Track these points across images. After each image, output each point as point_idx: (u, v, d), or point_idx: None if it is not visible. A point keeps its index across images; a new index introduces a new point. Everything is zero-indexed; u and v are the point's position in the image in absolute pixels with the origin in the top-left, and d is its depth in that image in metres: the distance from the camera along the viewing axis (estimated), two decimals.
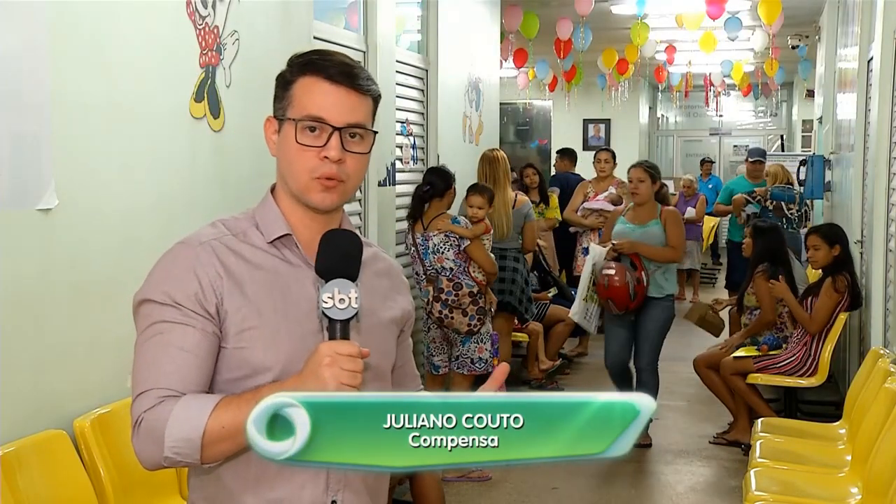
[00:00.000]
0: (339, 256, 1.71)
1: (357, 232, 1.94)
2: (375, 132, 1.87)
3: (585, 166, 15.90)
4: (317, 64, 1.82)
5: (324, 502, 1.81)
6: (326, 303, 1.65)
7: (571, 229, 9.63)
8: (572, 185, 9.61)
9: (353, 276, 1.69)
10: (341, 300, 1.65)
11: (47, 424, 3.18)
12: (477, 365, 5.82)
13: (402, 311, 1.98)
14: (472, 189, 6.10)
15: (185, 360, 1.75)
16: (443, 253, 5.78)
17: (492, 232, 6.14)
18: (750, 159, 9.98)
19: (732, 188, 9.96)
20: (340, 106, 1.80)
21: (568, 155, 10.82)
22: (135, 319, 1.82)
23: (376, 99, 1.88)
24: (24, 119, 3.10)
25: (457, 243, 5.81)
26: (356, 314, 1.67)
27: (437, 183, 5.93)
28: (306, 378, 1.65)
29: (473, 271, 5.88)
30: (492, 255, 6.09)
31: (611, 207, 8.69)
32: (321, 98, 1.80)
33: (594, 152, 9.58)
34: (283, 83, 1.86)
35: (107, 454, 3.29)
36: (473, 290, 5.80)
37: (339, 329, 1.66)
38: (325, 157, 1.79)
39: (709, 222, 13.56)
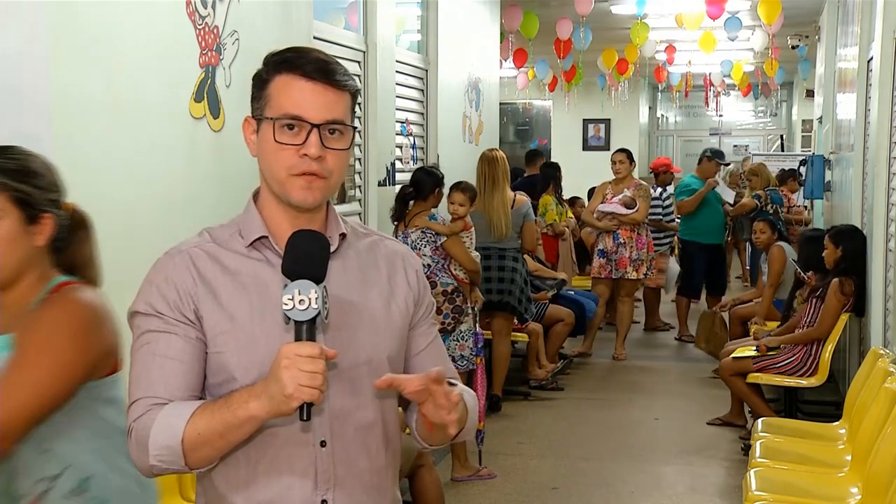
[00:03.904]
0: (303, 257, 1.71)
1: (347, 227, 1.93)
2: (355, 128, 1.86)
3: (585, 167, 15.97)
4: (292, 61, 1.82)
5: (314, 502, 1.81)
6: (287, 304, 1.66)
7: (588, 230, 9.67)
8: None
9: (317, 277, 1.69)
10: (301, 301, 1.65)
11: None
12: (459, 363, 5.81)
13: (404, 299, 1.94)
14: (455, 186, 6.05)
15: (171, 367, 1.78)
16: (420, 249, 5.75)
17: (473, 230, 6.09)
18: (719, 160, 9.67)
19: (692, 185, 9.58)
20: (318, 102, 1.79)
21: (533, 157, 10.41)
22: (131, 331, 1.85)
23: (354, 94, 1.86)
24: (24, 118, 3.10)
25: (433, 240, 5.79)
26: (319, 314, 1.66)
27: (424, 183, 5.88)
28: (270, 381, 1.66)
29: (455, 269, 5.87)
30: (476, 253, 6.06)
31: (623, 210, 8.68)
32: (298, 95, 1.79)
33: (610, 153, 9.51)
34: (260, 82, 1.86)
35: None
36: (448, 289, 5.78)
37: (303, 330, 1.67)
38: (305, 155, 1.78)
39: None
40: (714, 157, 9.61)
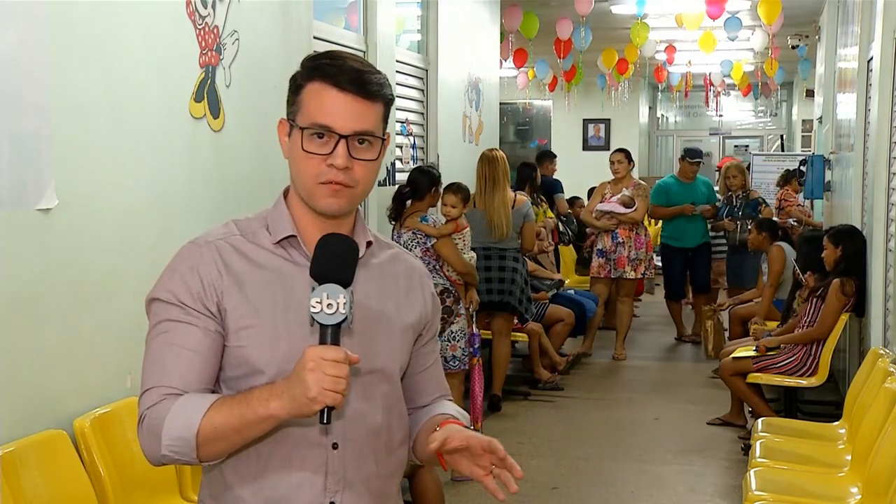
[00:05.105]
0: (332, 261, 1.71)
1: (373, 235, 1.94)
2: (383, 139, 1.84)
3: (585, 167, 15.96)
4: (326, 69, 1.80)
5: (321, 503, 1.81)
6: (315, 307, 1.66)
7: (588, 230, 9.64)
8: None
9: (345, 282, 1.69)
10: (329, 305, 1.65)
11: (47, 424, 3.18)
12: (451, 363, 5.81)
13: (418, 315, 1.96)
14: (448, 188, 6.05)
15: (188, 358, 1.77)
16: (411, 251, 5.75)
17: (467, 231, 6.07)
18: (690, 159, 9.35)
19: (673, 189, 9.37)
20: (348, 114, 1.78)
21: (542, 158, 10.44)
22: (147, 318, 1.84)
23: (388, 102, 1.85)
24: (24, 119, 3.10)
25: (424, 241, 5.79)
26: (345, 319, 1.66)
27: (420, 182, 5.88)
28: (292, 382, 1.66)
29: (448, 270, 5.87)
30: (472, 254, 6.05)
31: (622, 210, 8.68)
32: (329, 105, 1.78)
33: (609, 153, 9.46)
34: (294, 87, 1.85)
35: (107, 454, 3.29)
36: (437, 290, 5.77)
37: (328, 334, 1.67)
38: (332, 165, 1.78)
39: None
40: (686, 155, 9.46)
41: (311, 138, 1.78)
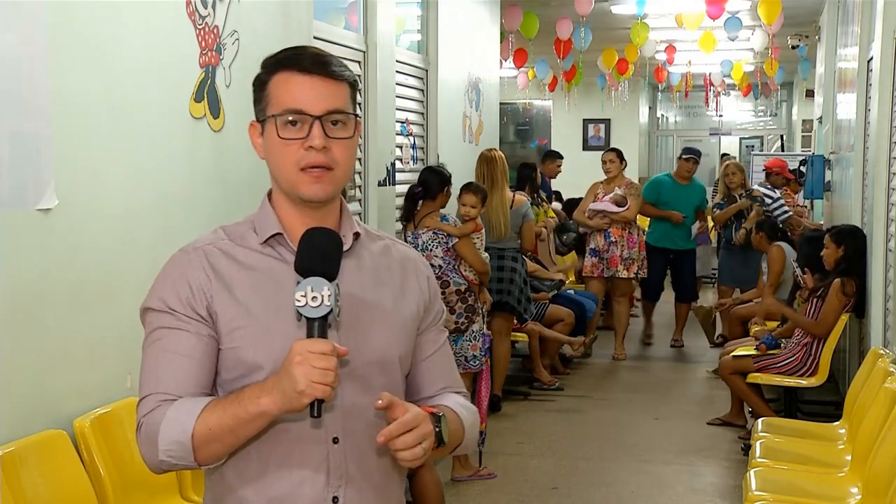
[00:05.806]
0: (316, 255, 1.72)
1: (361, 227, 1.94)
2: (357, 116, 1.87)
3: (585, 167, 15.95)
4: (288, 59, 1.84)
5: (325, 499, 1.82)
6: (299, 301, 1.67)
7: (581, 230, 9.65)
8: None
9: (329, 274, 1.70)
10: (314, 298, 1.67)
11: (47, 424, 3.18)
12: (471, 363, 5.82)
13: (416, 303, 1.96)
14: (466, 188, 6.08)
15: (182, 364, 1.79)
16: (431, 251, 5.77)
17: (483, 231, 6.12)
18: (685, 156, 9.31)
19: (665, 187, 9.36)
20: (317, 95, 1.80)
21: (546, 158, 10.50)
22: (143, 327, 1.86)
23: (353, 84, 1.87)
24: (24, 119, 3.10)
25: (445, 241, 5.81)
26: (331, 312, 1.67)
27: (431, 182, 5.91)
28: (282, 377, 1.67)
29: (465, 270, 5.89)
30: (485, 254, 6.09)
31: (614, 209, 8.70)
32: (297, 90, 1.81)
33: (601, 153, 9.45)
34: (259, 85, 1.88)
35: (107, 454, 3.29)
36: (461, 288, 5.81)
37: (315, 327, 1.68)
38: (311, 147, 1.79)
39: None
40: (682, 154, 9.44)
41: (285, 125, 1.81)
